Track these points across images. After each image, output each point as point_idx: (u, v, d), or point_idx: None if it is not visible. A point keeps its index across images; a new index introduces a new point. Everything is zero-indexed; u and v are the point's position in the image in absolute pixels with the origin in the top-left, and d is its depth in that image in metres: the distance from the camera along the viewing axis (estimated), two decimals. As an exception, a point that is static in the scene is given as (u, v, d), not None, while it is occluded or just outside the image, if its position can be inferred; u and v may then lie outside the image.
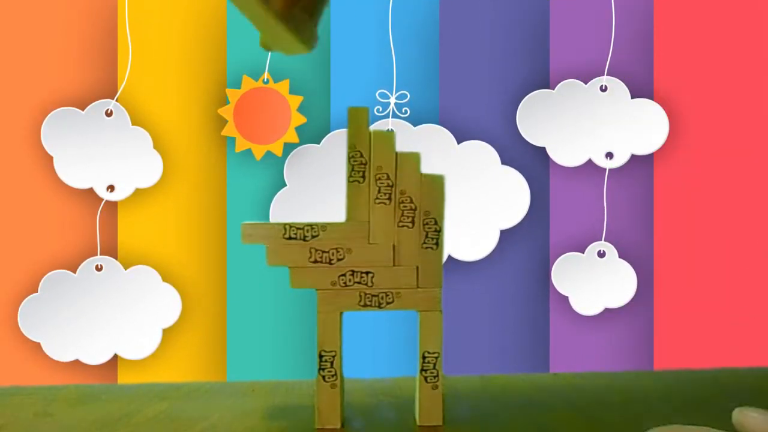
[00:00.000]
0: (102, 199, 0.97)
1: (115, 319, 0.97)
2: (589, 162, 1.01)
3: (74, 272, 0.97)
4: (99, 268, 0.97)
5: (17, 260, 0.97)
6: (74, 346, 0.96)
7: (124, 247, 0.98)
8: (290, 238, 0.44)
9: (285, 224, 0.45)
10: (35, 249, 0.98)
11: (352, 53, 1.05)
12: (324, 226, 0.44)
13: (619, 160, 1.01)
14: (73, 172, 0.97)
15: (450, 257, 1.00)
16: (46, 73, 0.98)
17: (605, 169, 1.02)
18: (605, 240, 1.02)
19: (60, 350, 0.96)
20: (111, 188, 0.96)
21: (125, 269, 0.97)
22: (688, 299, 1.04)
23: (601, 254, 1.01)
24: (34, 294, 0.96)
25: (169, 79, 0.99)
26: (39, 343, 0.96)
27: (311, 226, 0.44)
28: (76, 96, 0.98)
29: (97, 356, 0.97)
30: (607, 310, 1.02)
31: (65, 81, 0.98)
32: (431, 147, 1.02)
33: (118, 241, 0.98)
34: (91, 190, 0.97)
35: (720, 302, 1.04)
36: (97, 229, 0.97)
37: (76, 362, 0.97)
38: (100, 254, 0.97)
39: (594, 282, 1.01)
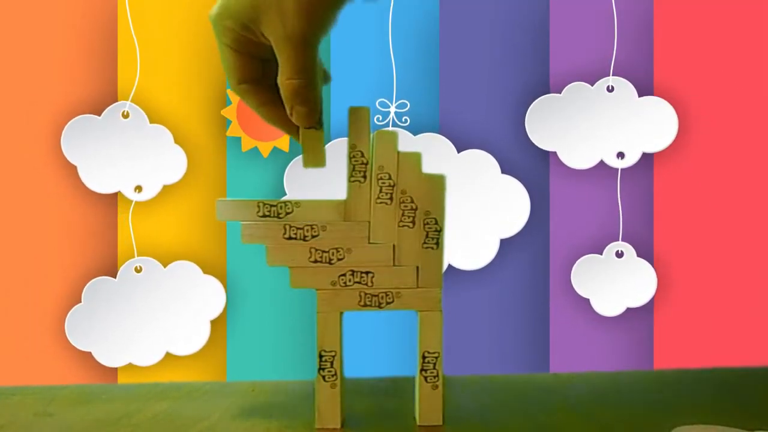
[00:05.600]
0: (131, 201, 0.97)
1: (161, 317, 0.97)
2: (600, 163, 1.01)
3: (114, 277, 0.97)
4: (138, 270, 0.97)
5: (57, 273, 0.98)
6: (125, 351, 0.96)
7: (161, 245, 0.98)
8: (290, 238, 0.44)
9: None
10: (73, 260, 0.98)
11: (352, 62, 1.05)
12: (324, 226, 0.44)
13: (630, 159, 1.01)
14: (99, 178, 0.97)
15: (450, 266, 1.00)
16: (53, 83, 0.98)
17: (617, 170, 1.02)
18: (622, 240, 1.02)
19: (111, 356, 0.96)
20: (139, 189, 0.96)
21: (164, 267, 0.97)
22: (689, 298, 1.04)
23: (620, 254, 1.01)
24: (78, 304, 0.96)
25: (172, 78, 0.99)
26: (90, 352, 0.96)
27: (311, 225, 0.44)
28: (84, 102, 0.98)
29: (149, 357, 0.97)
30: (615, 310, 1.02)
31: (73, 89, 0.98)
32: (431, 156, 1.01)
33: (154, 240, 0.98)
34: (119, 194, 0.97)
35: (724, 301, 1.04)
36: (130, 231, 0.97)
37: (129, 366, 0.96)
38: (137, 255, 0.97)
39: (615, 282, 1.01)
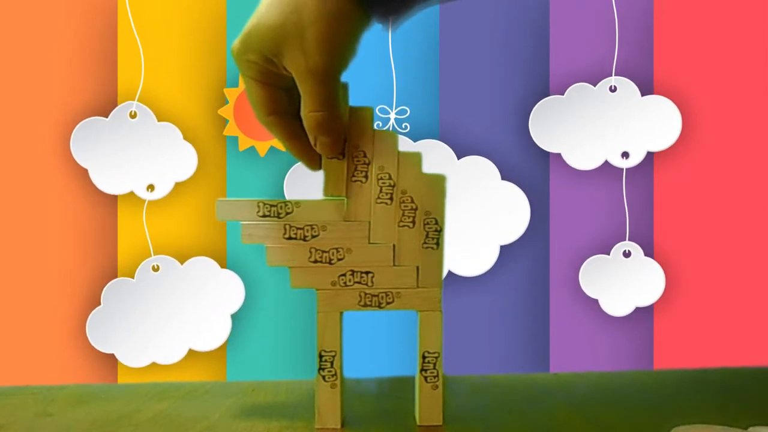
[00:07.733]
0: (144, 200, 0.97)
1: (181, 314, 0.97)
2: (605, 164, 1.02)
3: (132, 278, 0.97)
4: (156, 269, 0.97)
5: (75, 277, 0.97)
6: (148, 350, 0.96)
7: (176, 243, 0.98)
8: (290, 238, 0.44)
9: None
10: (90, 263, 0.98)
11: (351, 68, 1.04)
12: (324, 226, 0.44)
13: (635, 159, 1.01)
14: (111, 180, 0.97)
15: (450, 272, 1.00)
16: (56, 88, 0.98)
17: (622, 169, 1.02)
18: (629, 240, 1.02)
19: (135, 357, 0.96)
20: (151, 188, 0.96)
21: (181, 264, 0.97)
22: (690, 298, 1.04)
23: (627, 254, 1.02)
24: (98, 307, 0.96)
25: (176, 75, 0.99)
26: (112, 354, 0.96)
27: (311, 225, 0.44)
28: (89, 105, 0.98)
29: (172, 355, 0.97)
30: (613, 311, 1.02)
31: (76, 92, 0.98)
32: (431, 162, 1.01)
33: (169, 238, 0.98)
34: (131, 194, 0.97)
35: (725, 301, 1.04)
36: (145, 230, 0.97)
37: (153, 365, 0.96)
38: (154, 254, 0.97)
39: (623, 282, 1.01)
